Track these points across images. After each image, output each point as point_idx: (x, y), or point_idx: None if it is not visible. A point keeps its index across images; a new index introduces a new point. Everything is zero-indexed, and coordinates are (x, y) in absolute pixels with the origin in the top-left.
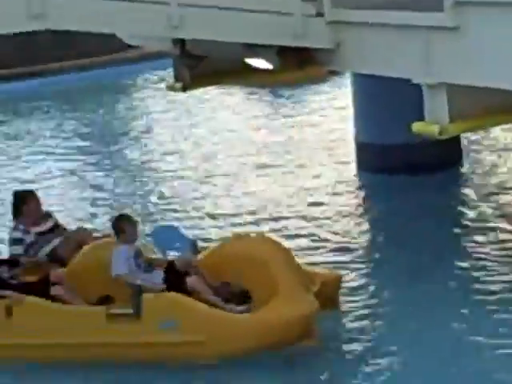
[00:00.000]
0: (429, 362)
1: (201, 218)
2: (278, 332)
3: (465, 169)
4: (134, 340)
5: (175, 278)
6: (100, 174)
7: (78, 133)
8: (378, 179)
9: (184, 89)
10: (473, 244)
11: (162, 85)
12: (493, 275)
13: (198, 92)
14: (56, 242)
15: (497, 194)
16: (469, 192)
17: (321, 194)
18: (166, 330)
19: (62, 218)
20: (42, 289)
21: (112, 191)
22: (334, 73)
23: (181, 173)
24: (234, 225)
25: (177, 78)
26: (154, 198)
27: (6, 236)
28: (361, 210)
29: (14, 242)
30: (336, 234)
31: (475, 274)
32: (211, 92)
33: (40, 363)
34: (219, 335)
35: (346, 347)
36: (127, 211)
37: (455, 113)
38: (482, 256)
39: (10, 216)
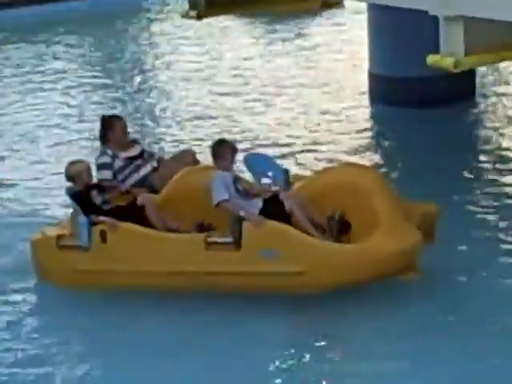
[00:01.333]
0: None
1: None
2: (383, 264)
3: (478, 102)
4: (233, 269)
5: (277, 209)
6: (115, 98)
7: (88, 59)
8: (390, 111)
9: (199, 17)
10: (485, 172)
11: (177, 12)
12: (506, 202)
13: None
14: (145, 170)
15: (507, 127)
16: (481, 124)
17: (332, 126)
18: (266, 259)
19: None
20: (134, 214)
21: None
22: (327, 5)
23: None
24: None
25: (192, 6)
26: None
27: None
28: (374, 142)
29: (103, 166)
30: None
31: (490, 202)
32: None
33: (132, 290)
34: (321, 266)
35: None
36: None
37: (471, 46)
38: (496, 183)
39: None
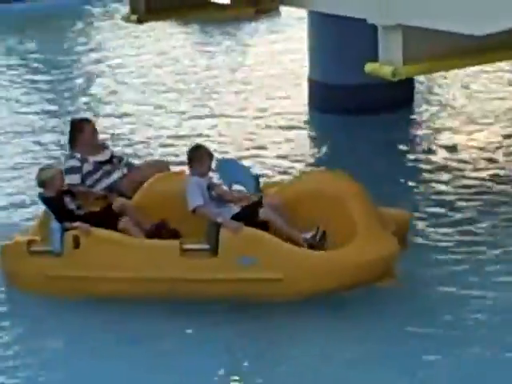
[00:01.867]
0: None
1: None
2: (360, 271)
3: (416, 110)
4: (209, 276)
5: (252, 216)
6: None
7: (29, 60)
8: (328, 118)
9: (139, 21)
10: (424, 175)
11: (118, 16)
12: (440, 204)
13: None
14: (116, 175)
15: (445, 134)
16: (420, 130)
17: (270, 132)
18: (242, 266)
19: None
20: (108, 219)
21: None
22: (263, 11)
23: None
24: None
25: (133, 10)
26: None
27: None
28: (313, 148)
29: (71, 171)
30: (285, 173)
31: (426, 206)
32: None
33: (107, 297)
34: (298, 273)
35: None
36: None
37: (409, 55)
38: (435, 186)
39: None
